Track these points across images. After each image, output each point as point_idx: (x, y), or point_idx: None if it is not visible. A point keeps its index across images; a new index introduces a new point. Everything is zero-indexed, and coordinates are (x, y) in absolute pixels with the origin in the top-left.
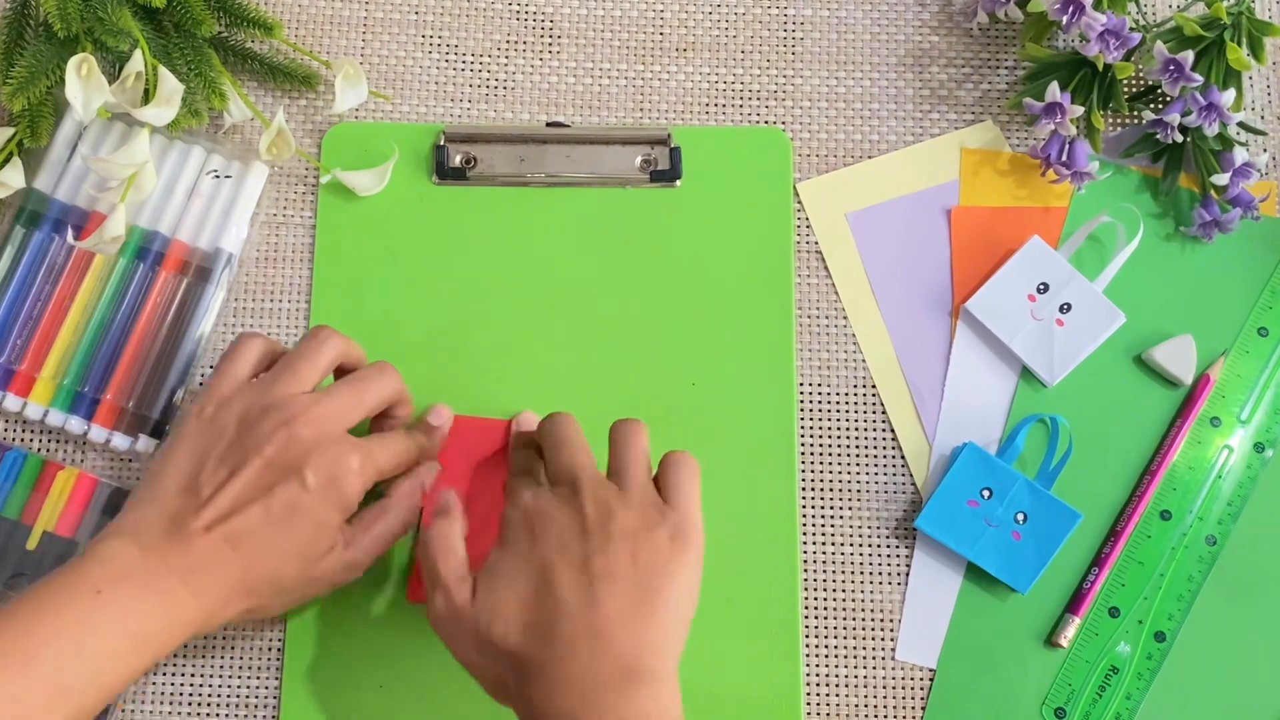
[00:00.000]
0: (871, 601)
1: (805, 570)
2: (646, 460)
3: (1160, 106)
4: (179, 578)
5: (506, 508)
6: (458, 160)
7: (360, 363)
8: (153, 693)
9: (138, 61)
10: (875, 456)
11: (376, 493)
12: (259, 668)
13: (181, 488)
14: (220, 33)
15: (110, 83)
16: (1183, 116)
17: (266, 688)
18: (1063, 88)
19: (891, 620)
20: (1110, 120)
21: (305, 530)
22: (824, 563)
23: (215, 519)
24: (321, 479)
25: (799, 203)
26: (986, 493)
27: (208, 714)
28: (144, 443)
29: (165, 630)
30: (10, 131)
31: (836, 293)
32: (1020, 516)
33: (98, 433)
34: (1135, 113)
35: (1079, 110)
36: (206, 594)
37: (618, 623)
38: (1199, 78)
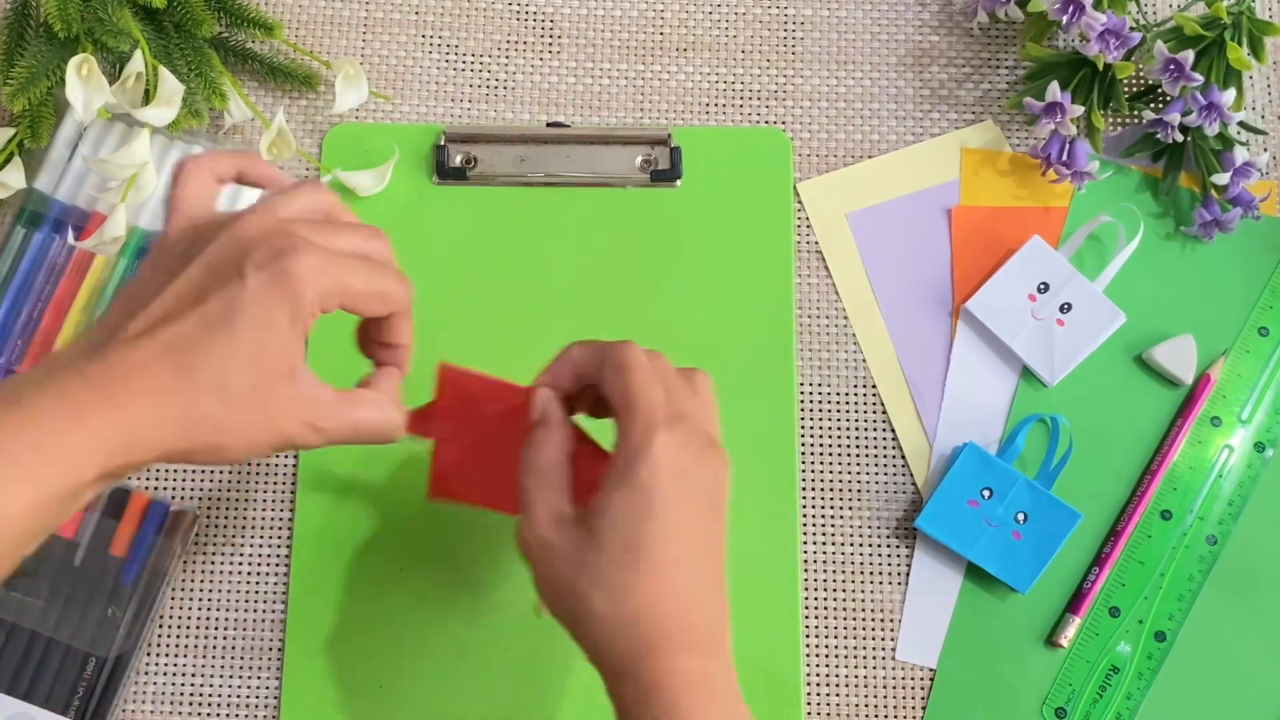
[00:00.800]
0: (871, 601)
1: (805, 570)
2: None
3: (1160, 106)
4: (95, 391)
5: (638, 439)
6: (458, 160)
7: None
8: (153, 692)
9: (138, 62)
10: (875, 456)
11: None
12: (259, 668)
13: (116, 313)
14: (220, 33)
15: (111, 83)
16: (1183, 116)
17: (267, 688)
18: (1063, 87)
19: (891, 620)
20: (1110, 120)
21: (249, 332)
22: (824, 563)
23: (146, 326)
24: (263, 274)
25: (799, 203)
26: (987, 492)
27: (208, 714)
28: None
29: (70, 453)
30: (11, 132)
31: (836, 293)
32: (1020, 516)
33: None
34: (1135, 112)
35: (1079, 110)
36: (127, 405)
37: (715, 595)
38: (1199, 77)
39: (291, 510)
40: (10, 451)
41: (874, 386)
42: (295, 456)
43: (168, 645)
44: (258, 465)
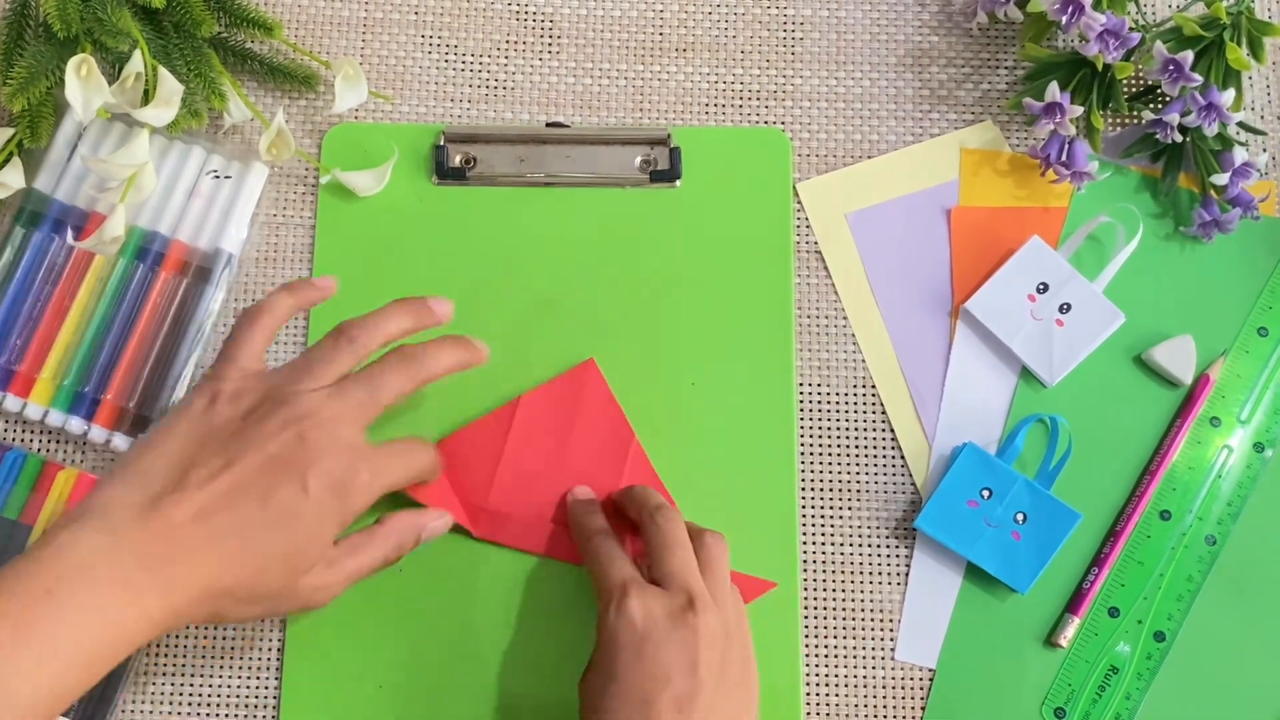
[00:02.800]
0: (871, 601)
1: (805, 570)
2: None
3: (1160, 106)
4: (147, 571)
5: (611, 607)
6: (458, 160)
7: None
8: (153, 693)
9: (137, 62)
10: (875, 456)
11: None
12: (259, 668)
13: (169, 470)
14: (220, 33)
15: (110, 83)
16: (1182, 116)
17: (266, 688)
18: (1062, 88)
19: (891, 620)
20: (1110, 120)
21: (297, 539)
22: (824, 563)
23: (202, 509)
24: (324, 488)
25: (799, 203)
26: (986, 493)
27: (208, 714)
28: None
29: (124, 634)
30: (10, 132)
31: (836, 293)
32: (1020, 516)
33: (98, 433)
34: (1135, 113)
35: (1079, 110)
36: (175, 591)
37: None
38: (1198, 78)
39: None
40: (64, 616)
41: (873, 386)
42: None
43: (168, 645)
44: None
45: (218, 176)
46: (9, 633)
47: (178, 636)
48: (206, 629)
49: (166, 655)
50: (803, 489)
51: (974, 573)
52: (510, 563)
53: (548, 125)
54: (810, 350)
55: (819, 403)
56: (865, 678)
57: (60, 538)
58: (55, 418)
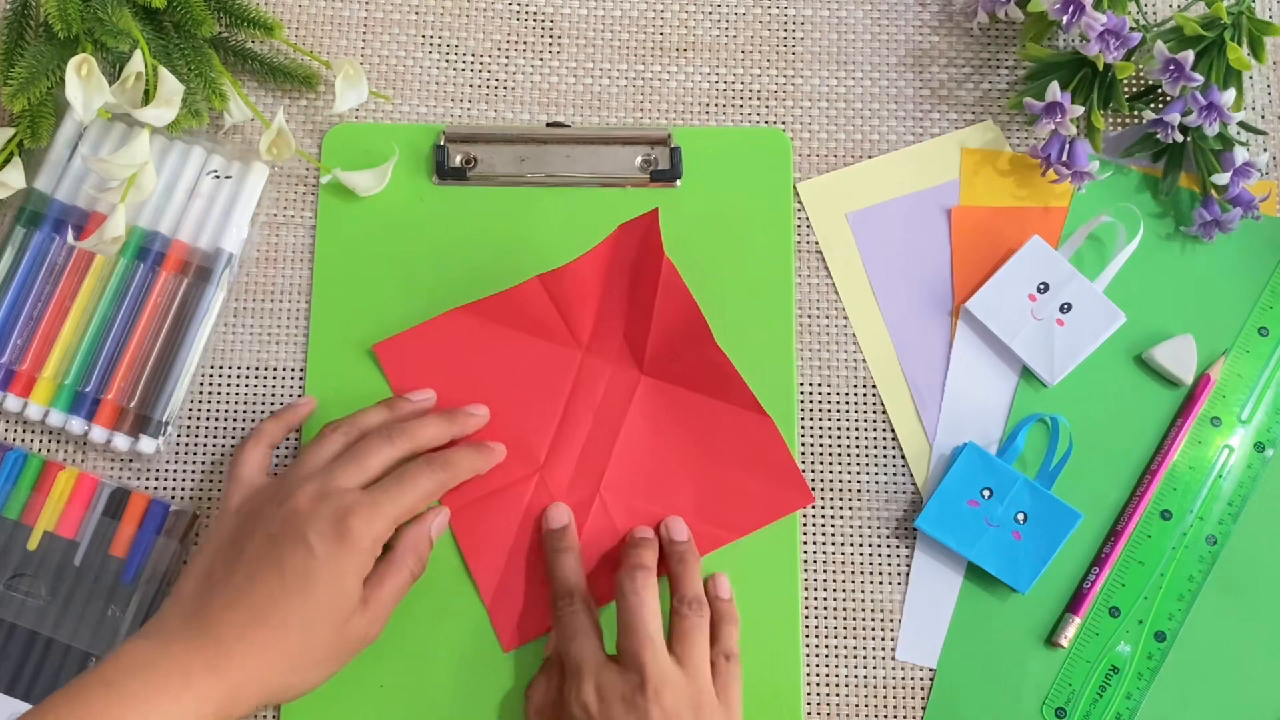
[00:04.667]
0: (871, 601)
1: (805, 570)
2: (708, 651)
3: (1160, 106)
4: (201, 658)
5: (570, 687)
6: (458, 160)
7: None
8: None
9: (138, 62)
10: (875, 456)
11: None
12: None
13: (199, 582)
14: (220, 33)
15: (110, 83)
16: (1183, 116)
17: None
18: (1063, 87)
19: (891, 620)
20: (1110, 120)
21: (325, 595)
22: (824, 563)
23: (229, 600)
24: (327, 540)
25: (799, 203)
26: (987, 492)
27: None
28: (145, 443)
29: (185, 714)
30: (11, 132)
31: (836, 293)
32: (1020, 516)
33: (98, 433)
34: (1135, 112)
35: (1079, 110)
36: (230, 671)
37: None
38: (1199, 77)
39: None
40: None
41: (874, 386)
42: (292, 438)
43: None
44: None
45: (218, 176)
46: (70, 716)
47: None
48: None
49: None
50: None
51: (974, 573)
52: None
53: (548, 125)
54: (810, 350)
55: (819, 403)
56: (865, 678)
57: (119, 648)
58: (56, 418)
